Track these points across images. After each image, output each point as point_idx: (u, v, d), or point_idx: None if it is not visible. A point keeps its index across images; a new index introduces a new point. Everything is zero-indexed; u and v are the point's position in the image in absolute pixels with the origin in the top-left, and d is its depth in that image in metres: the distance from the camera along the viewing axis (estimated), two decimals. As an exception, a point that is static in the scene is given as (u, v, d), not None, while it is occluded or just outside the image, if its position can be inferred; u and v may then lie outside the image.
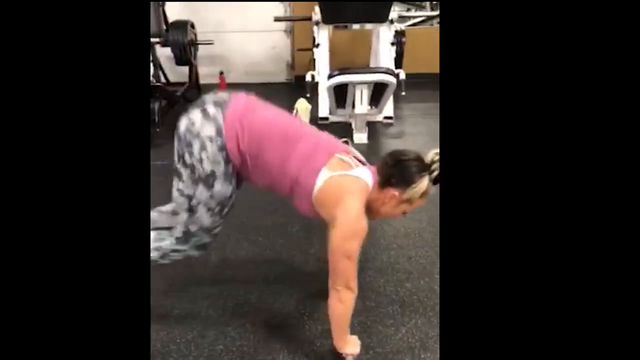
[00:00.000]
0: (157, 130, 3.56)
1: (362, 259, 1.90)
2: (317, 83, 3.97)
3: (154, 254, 1.45)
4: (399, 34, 4.51)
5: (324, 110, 3.87)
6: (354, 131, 3.57)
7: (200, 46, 4.59)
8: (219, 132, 1.31)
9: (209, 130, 1.31)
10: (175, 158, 1.38)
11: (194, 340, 1.61)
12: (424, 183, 1.33)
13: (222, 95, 1.39)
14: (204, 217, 1.41)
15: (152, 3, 4.06)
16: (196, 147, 1.31)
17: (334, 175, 1.33)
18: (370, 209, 1.41)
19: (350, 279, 1.35)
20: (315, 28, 4.18)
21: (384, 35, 4.12)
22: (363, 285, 1.68)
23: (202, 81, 4.93)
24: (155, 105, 3.64)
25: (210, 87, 4.92)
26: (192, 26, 4.36)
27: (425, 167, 1.35)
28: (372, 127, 3.71)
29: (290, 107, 3.98)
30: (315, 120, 3.85)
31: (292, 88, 4.99)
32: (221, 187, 1.37)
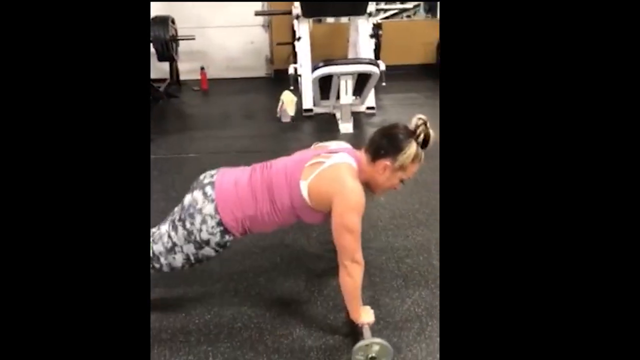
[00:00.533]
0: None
1: (363, 239, 2.00)
2: (299, 76, 4.05)
3: None
4: (376, 27, 4.64)
5: (308, 102, 3.95)
6: (340, 121, 3.66)
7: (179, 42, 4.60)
8: (217, 210, 1.47)
9: (209, 209, 1.47)
10: (176, 217, 1.53)
11: (212, 319, 1.67)
12: (412, 147, 1.41)
13: (213, 175, 1.55)
14: (178, 261, 1.55)
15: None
16: (198, 220, 1.48)
17: (311, 179, 1.43)
18: (369, 185, 1.52)
19: (355, 252, 1.43)
20: (295, 22, 4.26)
21: (363, 28, 4.22)
22: (367, 263, 1.75)
23: (182, 77, 4.95)
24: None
25: (191, 83, 4.95)
26: (173, 22, 4.36)
27: (410, 133, 1.43)
28: (356, 118, 3.81)
29: (271, 100, 4.06)
30: (300, 112, 3.94)
31: (272, 82, 5.05)
32: (209, 252, 1.53)
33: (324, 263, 1.99)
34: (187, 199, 1.52)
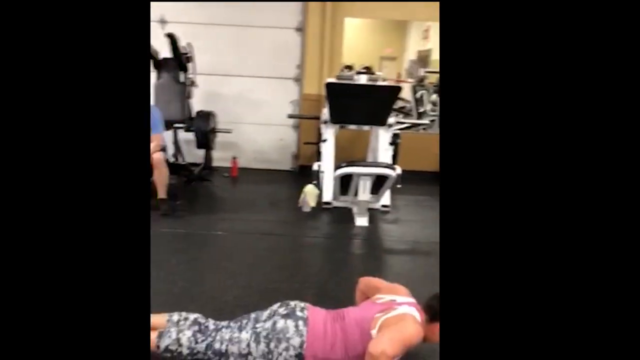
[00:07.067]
0: (178, 202, 3.93)
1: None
2: (321, 172, 4.46)
3: None
4: (395, 136, 5.14)
5: (327, 196, 4.31)
6: (356, 215, 3.99)
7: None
8: (302, 345, 1.66)
9: (296, 341, 1.66)
10: (262, 331, 1.70)
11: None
12: None
13: (303, 310, 1.75)
14: None
15: (177, 94, 4.68)
16: (283, 345, 1.66)
17: (379, 326, 1.62)
18: (426, 340, 1.71)
19: None
20: (323, 125, 4.77)
21: (382, 137, 4.70)
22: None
23: (214, 163, 5.42)
24: (177, 182, 4.06)
25: (222, 170, 5.41)
26: (214, 116, 4.94)
27: None
28: (371, 213, 4.13)
29: (294, 191, 4.43)
30: (319, 204, 4.29)
31: (296, 176, 5.49)
32: None
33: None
34: (280, 323, 1.70)
